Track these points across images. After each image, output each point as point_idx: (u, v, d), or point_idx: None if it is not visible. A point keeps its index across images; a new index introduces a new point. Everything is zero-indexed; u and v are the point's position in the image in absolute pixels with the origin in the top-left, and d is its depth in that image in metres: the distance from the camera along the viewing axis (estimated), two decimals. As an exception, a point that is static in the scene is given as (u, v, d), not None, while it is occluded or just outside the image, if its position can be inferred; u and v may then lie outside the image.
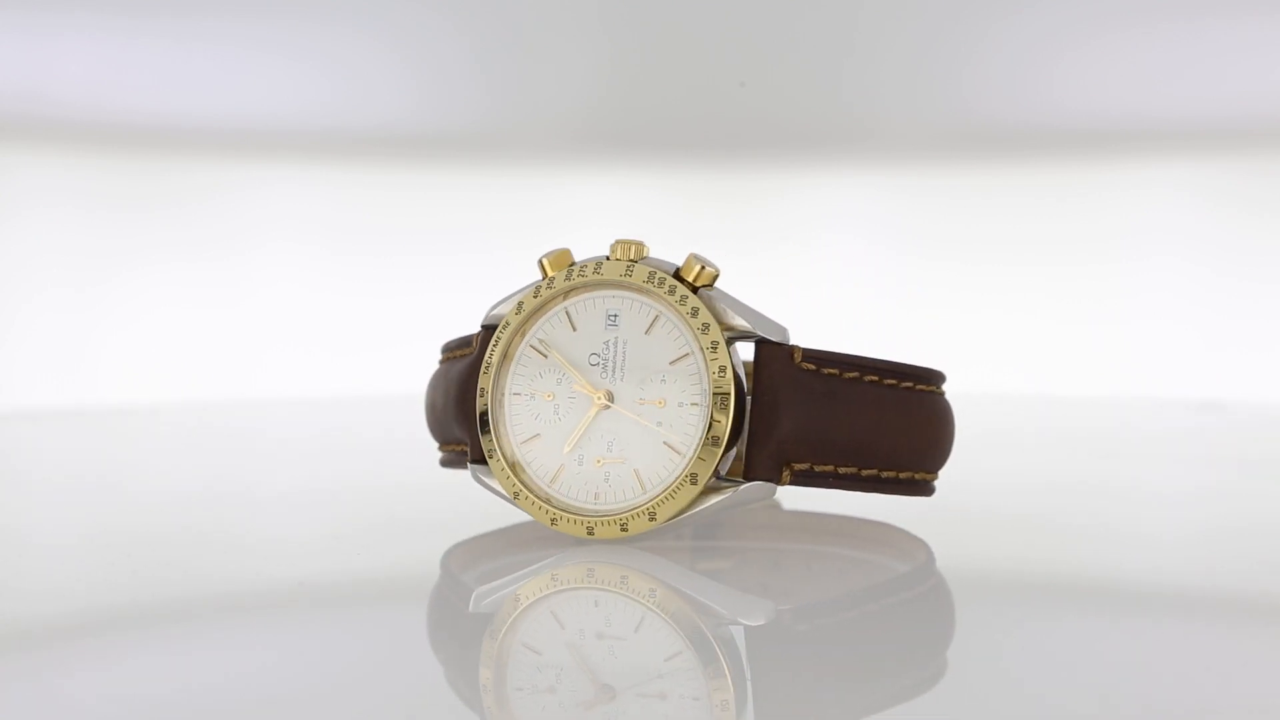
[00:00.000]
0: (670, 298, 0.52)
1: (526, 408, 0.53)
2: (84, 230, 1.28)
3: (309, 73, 1.32)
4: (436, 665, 0.44)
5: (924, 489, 0.55)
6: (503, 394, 0.54)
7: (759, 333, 0.51)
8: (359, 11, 1.30)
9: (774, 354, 0.51)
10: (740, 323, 0.51)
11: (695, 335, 0.51)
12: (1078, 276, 1.31)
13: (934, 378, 0.55)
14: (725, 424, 0.50)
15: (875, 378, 0.52)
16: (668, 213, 1.36)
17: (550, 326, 0.54)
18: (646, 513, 0.51)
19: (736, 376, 0.51)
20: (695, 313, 0.51)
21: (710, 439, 0.50)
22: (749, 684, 0.39)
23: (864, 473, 0.52)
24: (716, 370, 0.50)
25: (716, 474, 0.51)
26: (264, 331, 1.29)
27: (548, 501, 0.52)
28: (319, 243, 1.32)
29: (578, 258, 0.54)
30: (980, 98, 1.35)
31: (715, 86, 1.33)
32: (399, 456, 0.79)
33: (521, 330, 0.54)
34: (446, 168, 1.35)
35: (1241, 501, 0.71)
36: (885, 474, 0.53)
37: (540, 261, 0.54)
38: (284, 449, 0.94)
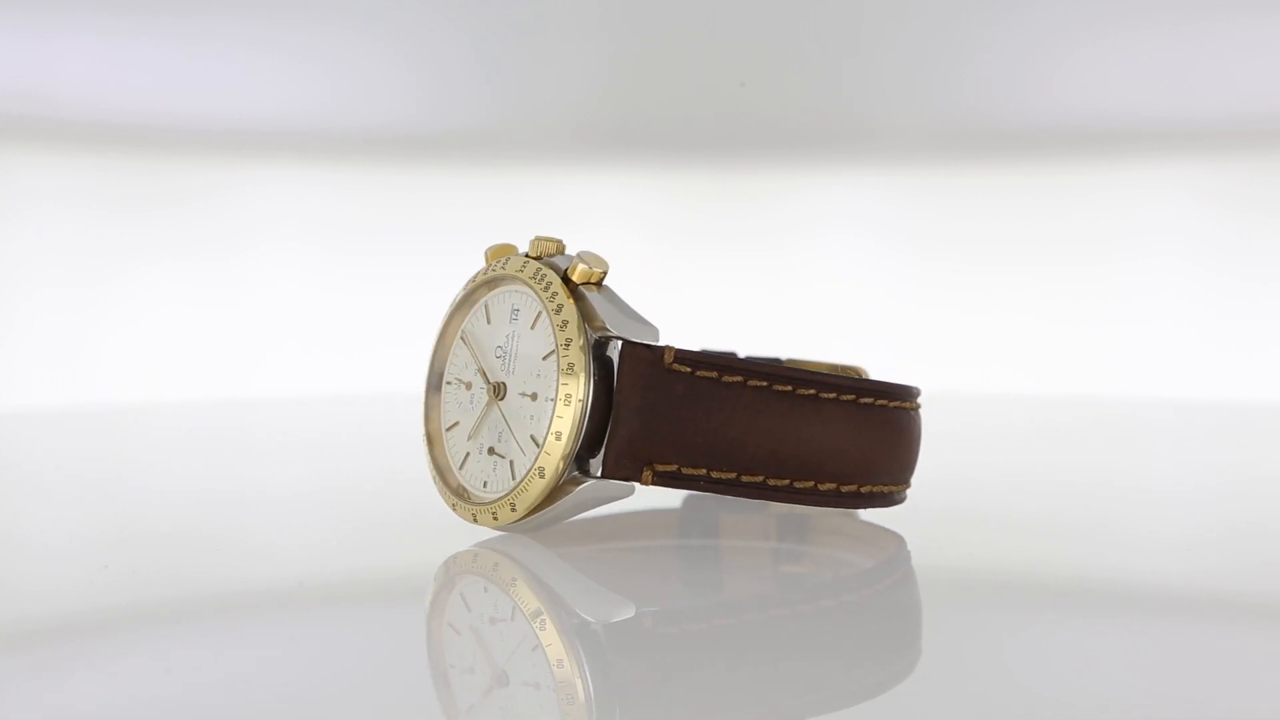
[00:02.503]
0: (544, 294, 0.52)
1: (454, 396, 0.55)
2: (84, 230, 1.28)
3: (309, 73, 1.32)
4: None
5: (844, 500, 0.54)
6: (440, 381, 0.56)
7: (620, 334, 0.51)
8: (359, 11, 1.30)
9: (635, 354, 0.50)
10: (603, 323, 0.51)
11: (555, 332, 0.51)
12: (1078, 276, 1.31)
13: (859, 389, 0.53)
14: (567, 420, 0.50)
15: (763, 383, 0.51)
16: (668, 213, 1.36)
17: (474, 318, 0.55)
18: (509, 503, 0.51)
19: (603, 373, 0.50)
20: (559, 310, 0.51)
21: (554, 434, 0.50)
22: (607, 679, 0.41)
23: (744, 479, 0.51)
24: (565, 367, 0.50)
25: (586, 471, 0.51)
26: (264, 331, 1.29)
27: (456, 490, 0.54)
28: (319, 243, 1.33)
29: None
30: (980, 98, 1.35)
31: (715, 86, 1.33)
32: (399, 455, 0.79)
33: (453, 321, 0.56)
34: (447, 168, 1.35)
35: (1241, 502, 0.71)
36: (775, 482, 0.52)
37: (485, 252, 0.56)
38: (284, 449, 0.94)
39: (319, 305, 1.31)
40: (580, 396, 0.50)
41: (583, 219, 1.32)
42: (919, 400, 0.58)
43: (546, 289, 0.52)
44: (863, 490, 0.54)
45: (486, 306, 0.55)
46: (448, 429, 0.55)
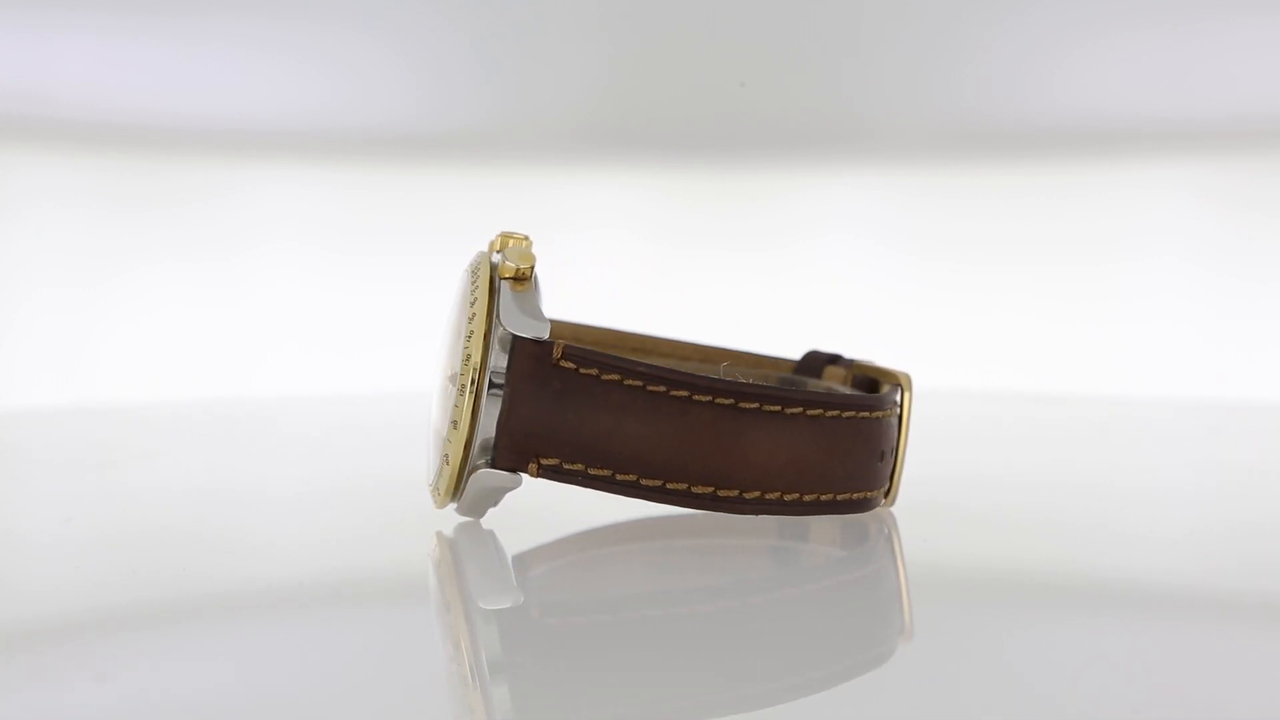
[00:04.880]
0: (473, 287, 0.53)
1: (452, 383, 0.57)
2: (84, 230, 1.28)
3: (309, 73, 1.32)
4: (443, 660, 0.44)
5: (724, 505, 0.53)
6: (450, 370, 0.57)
7: (509, 328, 0.51)
8: (359, 11, 1.30)
9: (523, 349, 0.51)
10: (503, 317, 0.52)
11: (466, 324, 0.52)
12: (1078, 276, 1.31)
13: (740, 394, 0.52)
14: (463, 409, 0.51)
15: (638, 383, 0.51)
16: (668, 213, 1.36)
17: (465, 310, 0.56)
18: (437, 489, 0.53)
19: (496, 365, 0.51)
20: (474, 303, 0.52)
21: (452, 422, 0.52)
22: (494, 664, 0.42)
23: (619, 477, 0.52)
24: (465, 357, 0.51)
25: (495, 462, 0.52)
26: (264, 331, 1.29)
27: (433, 476, 0.56)
28: (319, 242, 1.33)
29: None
30: (980, 98, 1.35)
31: (715, 86, 1.33)
32: (400, 455, 0.79)
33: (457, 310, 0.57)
34: (447, 168, 1.35)
35: (1240, 502, 0.71)
36: (647, 482, 0.52)
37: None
38: (285, 447, 0.94)
39: (319, 305, 1.31)
40: (472, 388, 0.51)
41: (583, 219, 1.32)
42: (854, 409, 0.55)
43: (475, 282, 0.53)
44: (747, 497, 0.53)
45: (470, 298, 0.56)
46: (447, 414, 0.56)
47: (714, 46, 1.32)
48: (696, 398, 0.52)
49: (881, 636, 0.47)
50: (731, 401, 0.52)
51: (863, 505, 0.57)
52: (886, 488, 0.59)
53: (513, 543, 0.56)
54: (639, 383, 0.51)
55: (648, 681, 0.41)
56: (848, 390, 0.63)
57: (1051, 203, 1.33)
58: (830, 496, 0.55)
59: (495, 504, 0.54)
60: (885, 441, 0.57)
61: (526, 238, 0.55)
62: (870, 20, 1.31)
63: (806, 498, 0.54)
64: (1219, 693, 0.40)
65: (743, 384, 0.52)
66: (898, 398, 0.59)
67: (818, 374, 0.67)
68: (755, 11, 1.30)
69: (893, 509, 0.60)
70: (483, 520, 0.57)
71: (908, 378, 0.60)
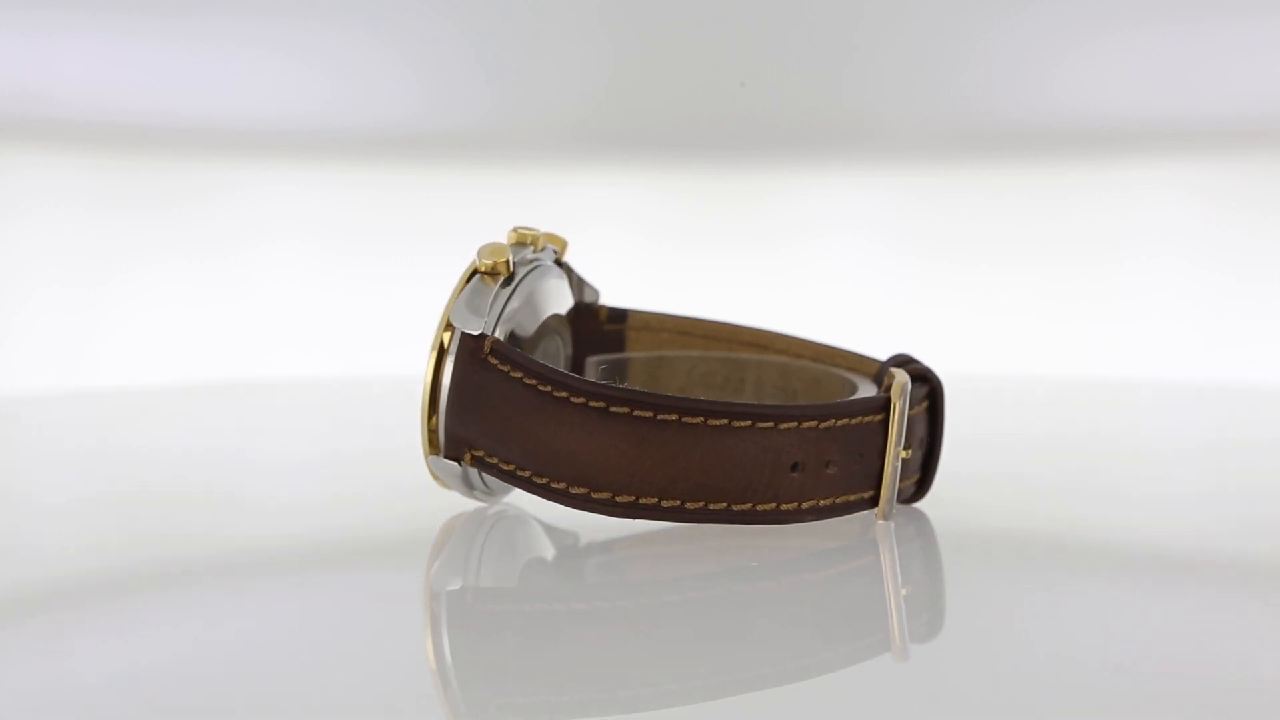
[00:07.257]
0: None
1: None
2: (84, 230, 1.28)
3: (309, 73, 1.33)
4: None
5: (598, 506, 0.53)
6: None
7: (453, 321, 0.53)
8: (359, 11, 1.30)
9: (461, 343, 0.53)
10: (451, 311, 0.54)
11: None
12: (1078, 276, 1.31)
13: (610, 397, 0.52)
14: (423, 396, 0.53)
15: (533, 381, 0.52)
16: (668, 213, 1.36)
17: None
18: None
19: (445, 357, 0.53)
20: (451, 296, 0.55)
21: (420, 410, 0.54)
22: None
23: (519, 473, 0.53)
24: (431, 347, 0.54)
25: (444, 450, 0.54)
26: (264, 332, 1.30)
27: None
28: (319, 242, 1.33)
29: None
30: (980, 98, 1.35)
31: (715, 86, 1.33)
32: (396, 438, 0.79)
33: None
34: (447, 168, 1.35)
35: (1238, 499, 0.71)
36: (538, 479, 0.53)
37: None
38: (286, 444, 0.94)
39: (319, 305, 1.31)
40: (428, 376, 0.53)
41: (583, 219, 1.32)
42: (748, 418, 0.52)
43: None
44: (619, 500, 0.52)
45: None
46: None
47: (714, 46, 1.32)
48: (573, 400, 0.52)
49: (858, 633, 0.47)
50: (603, 405, 0.52)
51: (772, 518, 0.54)
52: (872, 495, 0.56)
53: (598, 532, 0.57)
54: (533, 381, 0.52)
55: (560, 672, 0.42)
56: (861, 392, 0.61)
57: (1051, 203, 1.33)
58: (723, 506, 0.53)
59: (484, 490, 0.56)
60: (806, 453, 0.53)
61: (532, 230, 0.57)
62: (870, 20, 1.32)
63: (690, 505, 0.53)
64: (1211, 650, 0.41)
65: (613, 389, 0.52)
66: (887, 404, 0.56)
67: (879, 380, 0.62)
68: (755, 11, 1.30)
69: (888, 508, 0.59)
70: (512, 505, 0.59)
71: (900, 385, 0.56)
